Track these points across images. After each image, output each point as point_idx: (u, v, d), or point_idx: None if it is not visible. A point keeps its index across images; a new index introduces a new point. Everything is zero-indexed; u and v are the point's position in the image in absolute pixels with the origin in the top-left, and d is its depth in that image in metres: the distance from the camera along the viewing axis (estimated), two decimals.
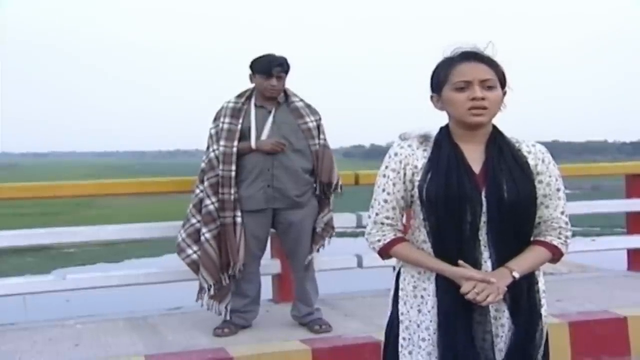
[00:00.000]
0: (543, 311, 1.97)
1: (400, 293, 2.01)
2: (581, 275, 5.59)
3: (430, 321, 1.93)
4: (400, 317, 2.00)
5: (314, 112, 3.83)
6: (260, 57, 3.74)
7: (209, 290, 3.70)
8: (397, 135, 2.05)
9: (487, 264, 1.91)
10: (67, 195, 4.66)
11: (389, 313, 2.07)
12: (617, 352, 3.82)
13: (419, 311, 1.96)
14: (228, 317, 3.79)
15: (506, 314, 1.92)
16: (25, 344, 3.71)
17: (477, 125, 1.92)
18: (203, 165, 3.76)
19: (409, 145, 1.98)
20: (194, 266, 3.75)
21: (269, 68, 3.67)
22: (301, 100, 3.83)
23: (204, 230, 3.67)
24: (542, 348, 1.95)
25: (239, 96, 3.80)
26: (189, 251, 3.73)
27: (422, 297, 1.96)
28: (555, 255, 1.97)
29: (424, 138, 2.00)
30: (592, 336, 3.79)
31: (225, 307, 3.77)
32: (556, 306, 4.09)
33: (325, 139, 3.83)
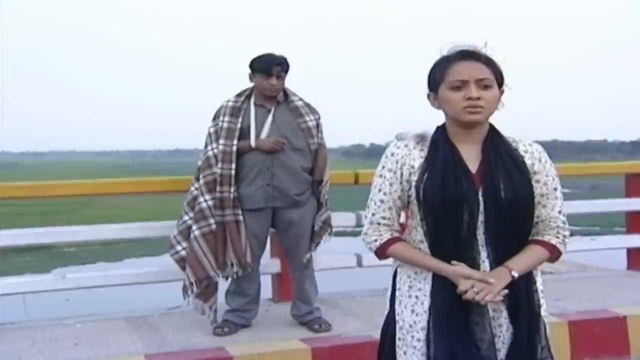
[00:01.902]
0: (542, 311, 1.97)
1: (397, 293, 2.01)
2: (581, 274, 5.60)
3: (426, 321, 1.93)
4: (396, 317, 2.00)
5: (313, 111, 3.83)
6: (260, 57, 3.74)
7: (190, 286, 3.68)
8: (395, 134, 2.05)
9: (484, 263, 1.90)
10: (67, 194, 4.66)
11: (386, 313, 2.07)
12: (617, 352, 3.82)
13: (412, 311, 1.96)
14: (212, 318, 3.77)
15: (504, 314, 1.92)
16: (25, 343, 3.71)
17: (472, 124, 1.92)
18: (200, 163, 3.76)
19: (406, 145, 1.98)
20: (182, 263, 3.73)
21: (268, 67, 3.67)
22: (300, 99, 3.84)
23: (193, 227, 3.66)
24: (543, 349, 1.94)
25: (239, 95, 3.80)
26: (179, 247, 3.72)
27: (416, 297, 1.96)
28: (554, 254, 1.97)
29: (420, 138, 2.00)
30: (592, 335, 3.79)
31: (210, 308, 3.75)
32: (556, 305, 4.09)
33: (322, 138, 3.84)
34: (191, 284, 3.68)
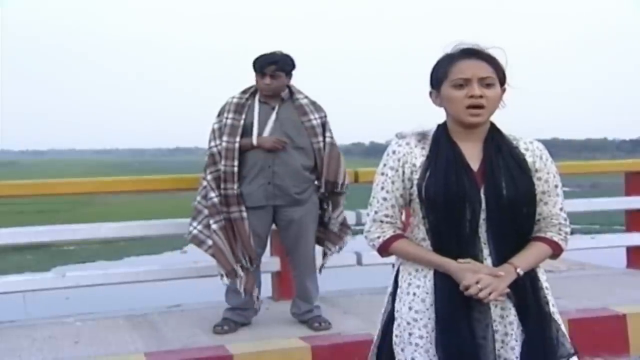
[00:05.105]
0: (551, 307, 1.98)
1: (398, 291, 2.02)
2: (580, 272, 5.59)
3: (429, 319, 1.93)
4: (395, 315, 2.00)
5: (318, 109, 3.83)
6: (258, 56, 3.74)
7: (221, 277, 3.71)
8: (395, 133, 2.05)
9: (487, 261, 1.91)
10: (66, 192, 4.67)
11: (383, 310, 2.07)
12: (617, 350, 3.82)
13: (410, 309, 1.96)
14: (258, 307, 3.83)
15: (513, 311, 1.91)
16: (25, 342, 3.71)
17: (474, 124, 1.92)
18: (206, 159, 3.79)
19: (407, 144, 1.98)
20: None
21: (262, 67, 3.69)
22: (306, 97, 3.83)
23: (211, 221, 3.69)
24: (562, 345, 1.94)
25: (244, 92, 3.81)
26: (210, 242, 3.73)
27: (414, 294, 1.96)
28: (556, 251, 1.98)
29: (421, 136, 2.00)
30: (592, 334, 3.79)
31: (257, 298, 3.81)
32: (555, 304, 4.09)
33: (332, 137, 3.83)
34: (222, 276, 3.71)
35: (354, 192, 4.00)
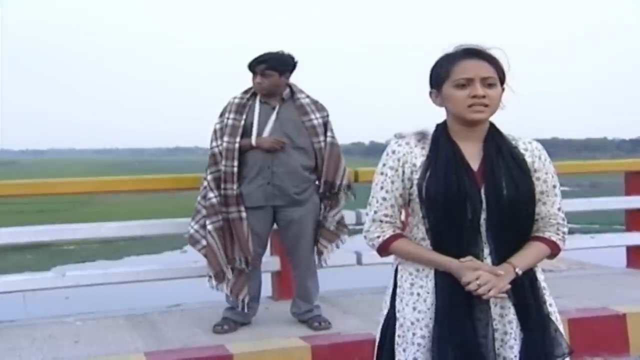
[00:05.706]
0: (548, 306, 1.98)
1: (398, 290, 2.01)
2: (580, 272, 5.59)
3: (430, 319, 1.93)
4: (397, 315, 2.00)
5: (320, 108, 3.82)
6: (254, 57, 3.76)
7: (209, 279, 3.72)
8: (394, 133, 2.05)
9: (487, 260, 1.91)
10: (66, 192, 4.67)
11: (384, 311, 2.07)
12: (616, 350, 3.82)
13: (414, 309, 1.96)
14: (246, 310, 3.81)
15: (512, 310, 1.92)
16: (25, 341, 3.71)
17: (476, 122, 1.93)
18: (208, 159, 3.80)
19: (407, 143, 1.99)
20: None
21: (252, 67, 3.72)
22: (308, 97, 3.82)
23: (207, 221, 3.70)
24: (559, 345, 1.94)
25: (245, 92, 3.82)
26: (204, 242, 3.74)
27: (418, 294, 1.96)
28: (554, 251, 1.99)
29: (421, 136, 2.00)
30: (591, 333, 3.79)
31: (243, 301, 3.77)
32: (555, 303, 4.09)
33: (333, 137, 3.82)
34: (210, 277, 3.72)
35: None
